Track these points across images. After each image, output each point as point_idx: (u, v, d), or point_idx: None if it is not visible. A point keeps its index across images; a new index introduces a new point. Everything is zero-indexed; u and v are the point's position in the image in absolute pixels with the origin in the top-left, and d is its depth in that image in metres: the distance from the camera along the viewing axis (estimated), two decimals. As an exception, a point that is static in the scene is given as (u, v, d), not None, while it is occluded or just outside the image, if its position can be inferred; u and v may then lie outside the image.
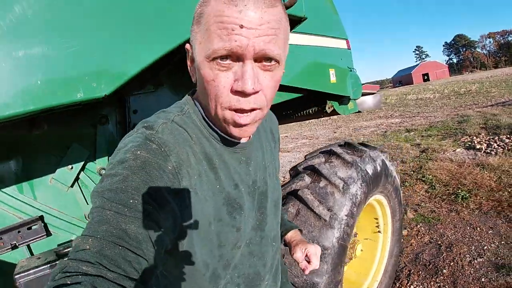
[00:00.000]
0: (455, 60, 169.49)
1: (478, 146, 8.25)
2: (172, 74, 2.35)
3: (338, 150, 2.85)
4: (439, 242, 4.45)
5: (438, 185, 6.16)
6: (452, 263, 3.95)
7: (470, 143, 8.73)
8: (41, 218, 1.88)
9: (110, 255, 0.63)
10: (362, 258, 3.25)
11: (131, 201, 0.70)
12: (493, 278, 3.50)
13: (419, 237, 4.68)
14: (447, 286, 3.62)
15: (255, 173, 1.06)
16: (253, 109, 0.82)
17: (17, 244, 1.78)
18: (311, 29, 3.34)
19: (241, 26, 0.73)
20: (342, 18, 4.09)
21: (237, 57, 0.77)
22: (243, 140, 1.01)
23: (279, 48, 0.79)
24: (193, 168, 0.87)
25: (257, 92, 0.80)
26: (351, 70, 4.02)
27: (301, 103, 4.30)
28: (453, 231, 4.62)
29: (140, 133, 0.84)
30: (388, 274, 3.38)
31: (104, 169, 2.08)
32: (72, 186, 2.00)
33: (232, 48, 0.74)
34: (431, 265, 4.02)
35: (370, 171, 2.75)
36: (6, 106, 1.20)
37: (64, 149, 1.98)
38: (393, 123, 16.27)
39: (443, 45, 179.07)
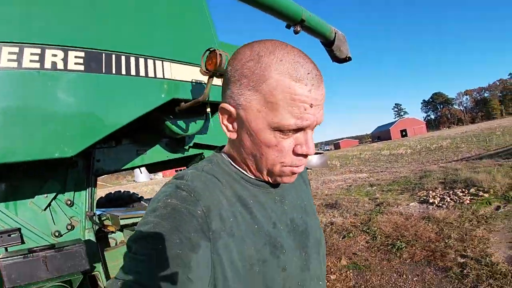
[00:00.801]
0: (433, 117, 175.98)
1: (431, 200, 8.63)
2: (131, 132, 3.02)
3: None
4: (362, 287, 4.69)
5: (380, 236, 6.43)
6: (368, 306, 4.18)
7: (425, 197, 9.13)
8: (19, 229, 2.52)
9: None
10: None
11: (160, 246, 0.74)
12: (401, 320, 3.73)
13: (345, 282, 4.94)
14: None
15: (291, 212, 1.08)
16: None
17: None
18: None
19: (311, 106, 0.82)
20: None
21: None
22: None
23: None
24: (227, 211, 0.89)
25: None
26: None
27: None
28: (379, 278, 4.86)
29: (171, 183, 0.91)
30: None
31: (70, 200, 2.80)
32: (45, 210, 2.66)
33: (303, 126, 0.84)
34: (348, 307, 4.23)
35: None
36: (13, 154, 1.90)
37: (43, 182, 2.66)
38: (360, 177, 16.81)
39: (422, 103, 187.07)
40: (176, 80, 2.67)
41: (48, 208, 2.75)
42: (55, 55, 2.10)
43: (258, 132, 0.88)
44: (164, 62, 2.63)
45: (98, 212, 3.62)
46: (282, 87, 0.80)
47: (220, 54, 2.38)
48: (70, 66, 2.14)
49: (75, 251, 2.59)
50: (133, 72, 2.43)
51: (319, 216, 8.84)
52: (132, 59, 2.42)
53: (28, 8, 2.13)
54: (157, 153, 3.31)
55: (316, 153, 5.52)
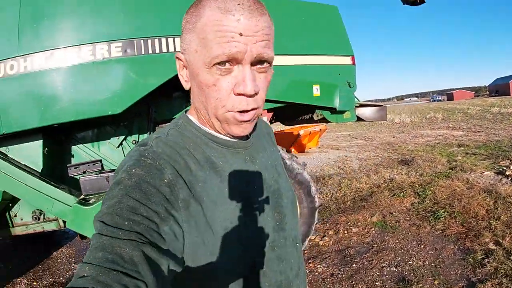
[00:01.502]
0: None
1: (508, 172, 7.84)
2: (180, 90, 4.11)
3: None
4: (375, 245, 4.77)
5: (428, 201, 6.22)
6: (366, 262, 4.31)
7: (504, 168, 8.30)
8: (100, 160, 3.95)
9: (104, 280, 0.62)
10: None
11: (126, 223, 0.70)
12: (386, 286, 3.79)
13: (363, 237, 5.06)
14: (344, 275, 4.09)
15: (263, 172, 1.04)
16: (252, 109, 0.88)
17: (86, 171, 3.85)
18: (305, 49, 4.35)
19: (240, 34, 0.78)
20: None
21: (236, 62, 0.82)
22: (242, 140, 1.03)
23: (271, 51, 0.86)
24: (195, 176, 0.86)
25: (256, 93, 0.85)
26: (349, 84, 4.54)
27: (297, 111, 5.15)
28: (397, 241, 4.85)
29: (135, 151, 0.86)
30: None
31: (135, 140, 4.37)
32: (118, 147, 4.25)
33: (233, 54, 0.79)
34: (348, 258, 4.45)
35: None
36: (82, 113, 3.34)
37: (116, 127, 4.22)
38: (453, 135, 15.75)
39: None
40: None
41: (120, 146, 4.30)
42: (102, 48, 3.28)
43: (197, 72, 0.86)
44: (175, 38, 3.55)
45: None
46: (212, 21, 0.80)
47: None
48: (113, 54, 3.32)
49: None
50: (157, 50, 3.46)
51: (386, 171, 8.84)
52: (156, 41, 3.46)
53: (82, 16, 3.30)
54: None
55: (375, 105, 5.52)
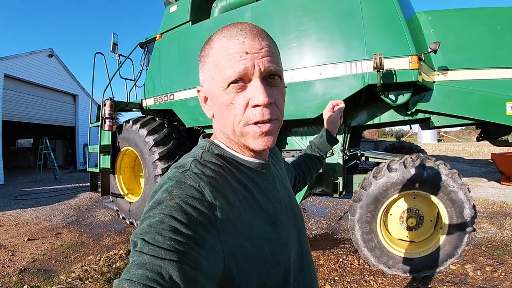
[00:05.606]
0: None
1: None
2: (370, 102, 4.69)
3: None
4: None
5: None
6: None
7: None
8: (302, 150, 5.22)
9: None
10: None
11: (168, 242, 0.68)
12: None
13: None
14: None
15: (282, 191, 1.06)
16: (270, 120, 0.87)
17: (294, 156, 4.92)
18: (491, 62, 3.95)
19: (246, 53, 0.83)
20: None
21: (248, 79, 0.85)
22: (265, 161, 1.03)
23: (278, 65, 0.89)
24: (232, 196, 0.84)
25: (271, 103, 0.86)
26: None
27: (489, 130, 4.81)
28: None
29: (173, 173, 0.84)
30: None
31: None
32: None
33: (241, 71, 0.82)
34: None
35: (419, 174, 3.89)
36: (292, 115, 4.54)
37: (319, 127, 5.10)
38: None
39: None
40: (369, 72, 3.94)
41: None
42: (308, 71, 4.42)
43: (216, 96, 0.88)
44: (363, 61, 3.99)
45: (357, 151, 5.55)
46: (221, 48, 0.85)
47: (375, 57, 3.69)
48: (313, 76, 4.37)
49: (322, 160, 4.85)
50: (350, 72, 4.08)
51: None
52: (342, 64, 4.15)
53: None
54: (391, 115, 4.66)
55: None
